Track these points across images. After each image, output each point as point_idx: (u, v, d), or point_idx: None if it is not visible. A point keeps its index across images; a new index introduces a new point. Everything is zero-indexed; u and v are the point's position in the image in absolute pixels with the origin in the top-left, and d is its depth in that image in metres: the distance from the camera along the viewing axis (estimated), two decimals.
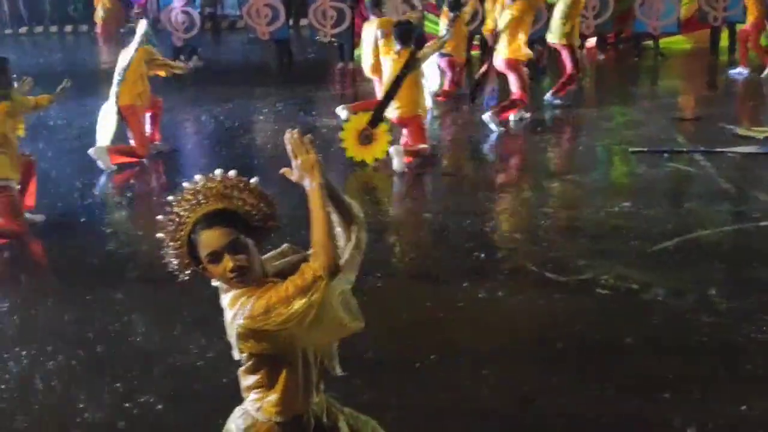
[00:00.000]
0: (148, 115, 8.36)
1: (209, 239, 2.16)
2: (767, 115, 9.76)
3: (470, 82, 10.79)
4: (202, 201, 2.20)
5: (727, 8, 13.37)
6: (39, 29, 22.86)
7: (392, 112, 7.81)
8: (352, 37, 14.51)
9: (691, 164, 7.40)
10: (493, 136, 8.86)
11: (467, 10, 11.34)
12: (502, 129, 8.93)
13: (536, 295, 4.83)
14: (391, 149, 7.67)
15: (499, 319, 4.58)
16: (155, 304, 4.92)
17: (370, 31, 9.67)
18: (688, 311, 4.51)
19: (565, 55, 10.10)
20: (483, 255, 5.50)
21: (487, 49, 9.30)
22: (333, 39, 14.29)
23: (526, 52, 9.17)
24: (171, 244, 2.22)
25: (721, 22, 13.55)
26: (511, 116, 9.30)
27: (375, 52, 9.28)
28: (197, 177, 2.25)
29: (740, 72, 11.73)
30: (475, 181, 7.52)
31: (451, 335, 4.39)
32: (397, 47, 7.84)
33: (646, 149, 7.88)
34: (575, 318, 4.51)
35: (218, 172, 2.26)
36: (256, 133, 9.90)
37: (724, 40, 13.78)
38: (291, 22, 15.89)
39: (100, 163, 7.93)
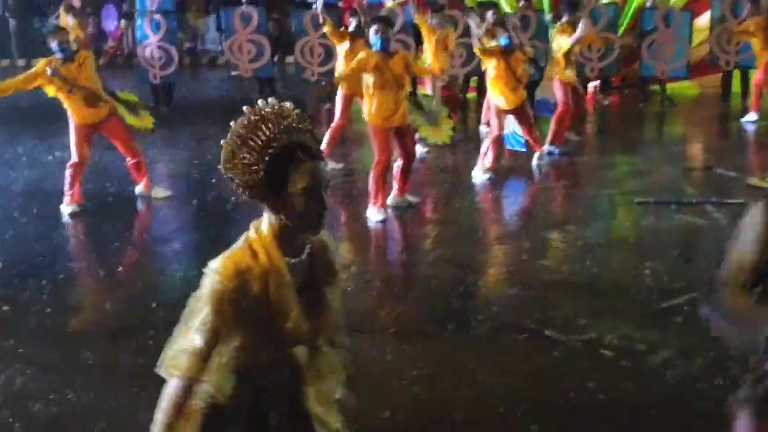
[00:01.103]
0: (130, 162, 8.32)
1: (316, 170, 2.18)
2: None
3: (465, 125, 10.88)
4: (294, 125, 2.20)
5: (739, 52, 13.58)
6: (5, 63, 22.98)
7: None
8: None
9: (700, 216, 7.44)
10: (490, 183, 8.89)
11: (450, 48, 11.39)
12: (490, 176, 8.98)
13: (535, 356, 4.80)
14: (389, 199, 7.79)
15: (495, 381, 4.54)
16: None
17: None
18: (698, 375, 4.48)
19: (559, 92, 10.21)
20: (476, 310, 5.48)
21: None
22: (321, 78, 14.41)
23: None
24: (248, 157, 2.17)
25: (733, 67, 13.73)
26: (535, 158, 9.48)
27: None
28: (270, 100, 2.24)
29: (751, 120, 11.87)
30: (470, 231, 7.52)
31: (443, 396, 4.34)
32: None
33: (652, 200, 7.92)
34: (577, 381, 4.47)
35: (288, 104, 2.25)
36: None
37: (735, 86, 13.97)
38: (276, 59, 16.02)
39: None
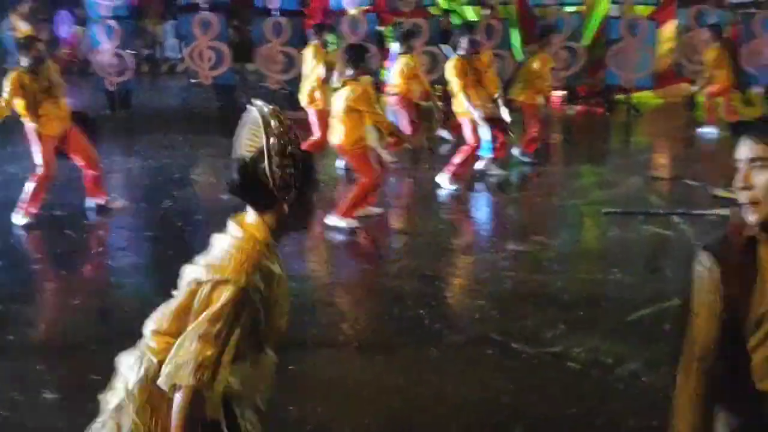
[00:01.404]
0: (90, 174, 8.21)
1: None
2: None
3: (429, 134, 10.92)
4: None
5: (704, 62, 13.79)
6: None
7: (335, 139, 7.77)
8: None
9: (667, 227, 7.52)
10: (456, 193, 8.92)
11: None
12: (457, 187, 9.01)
13: (501, 369, 4.81)
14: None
15: (460, 395, 4.52)
16: None
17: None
18: (666, 387, 4.49)
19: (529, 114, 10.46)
20: (442, 323, 5.48)
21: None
22: (283, 86, 14.37)
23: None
24: (287, 161, 2.43)
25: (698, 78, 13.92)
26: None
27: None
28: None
29: (710, 131, 12.08)
30: (436, 242, 7.52)
31: (406, 411, 4.32)
32: (349, 72, 7.77)
33: (619, 210, 7.99)
34: (544, 394, 4.48)
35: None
36: (197, 186, 9.82)
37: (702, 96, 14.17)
38: (237, 66, 15.95)
39: None
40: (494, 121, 9.26)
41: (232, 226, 2.49)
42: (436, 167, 9.51)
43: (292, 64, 14.30)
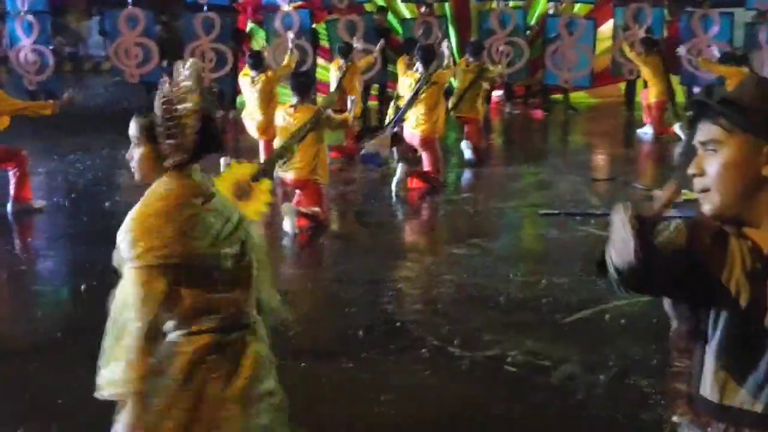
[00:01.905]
0: (10, 171, 8.10)
1: None
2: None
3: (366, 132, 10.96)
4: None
5: (570, 69, 14.20)
6: None
7: (288, 173, 7.69)
8: (235, 83, 14.53)
9: (605, 228, 7.61)
10: (393, 197, 8.97)
11: (362, 63, 11.62)
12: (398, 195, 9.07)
13: (439, 373, 4.87)
14: (284, 207, 7.68)
15: (397, 399, 4.57)
16: None
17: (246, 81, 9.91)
18: (603, 388, 4.62)
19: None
20: (380, 328, 5.52)
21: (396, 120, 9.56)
22: (212, 84, 14.28)
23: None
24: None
25: (636, 76, 14.22)
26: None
27: (264, 106, 9.51)
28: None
29: (646, 132, 12.37)
30: (372, 246, 7.57)
31: (342, 418, 4.35)
32: (294, 99, 7.85)
33: (557, 212, 8.12)
34: (482, 398, 4.56)
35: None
36: (123, 189, 9.70)
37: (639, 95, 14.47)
38: (165, 63, 15.79)
39: None
40: None
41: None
42: (372, 170, 9.56)
43: (223, 62, 14.23)
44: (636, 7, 14.11)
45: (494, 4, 14.89)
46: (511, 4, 14.84)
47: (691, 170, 2.01)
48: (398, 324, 5.67)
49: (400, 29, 15.03)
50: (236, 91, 14.41)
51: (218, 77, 14.22)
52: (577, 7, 14.96)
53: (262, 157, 9.58)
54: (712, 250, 1.99)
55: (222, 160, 9.07)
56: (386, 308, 6.02)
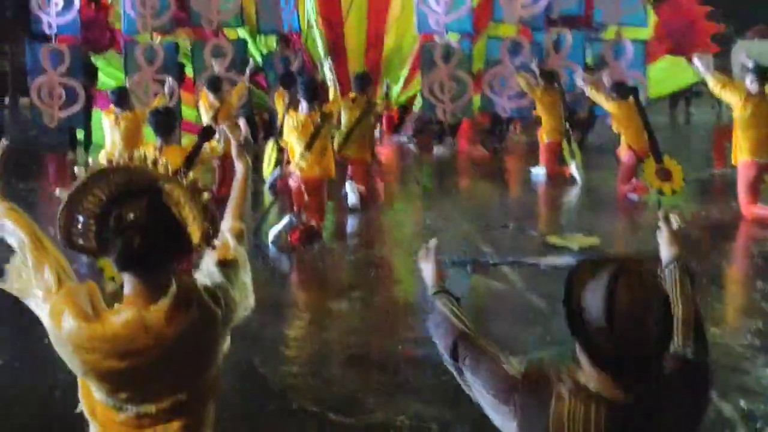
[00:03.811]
0: None
1: None
2: (580, 221, 10.56)
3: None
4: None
5: (510, 97, 14.56)
6: None
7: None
8: (88, 122, 14.34)
9: (498, 278, 7.82)
10: (270, 247, 8.96)
11: (234, 96, 11.68)
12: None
13: None
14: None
15: None
16: None
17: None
18: None
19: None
20: (256, 393, 5.48)
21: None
22: (60, 124, 14.05)
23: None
24: None
25: (509, 114, 14.89)
26: None
27: (129, 148, 9.41)
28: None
29: (539, 173, 12.76)
30: None
31: None
32: (158, 141, 7.77)
33: (446, 260, 8.23)
34: None
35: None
36: None
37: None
38: (7, 100, 15.47)
39: None
40: None
41: None
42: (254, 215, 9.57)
43: (74, 97, 14.02)
44: (557, 32, 14.56)
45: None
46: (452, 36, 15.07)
47: None
48: (272, 389, 5.64)
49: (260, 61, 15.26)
50: (89, 132, 14.28)
51: (68, 116, 13.99)
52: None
53: None
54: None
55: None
56: (260, 371, 5.98)
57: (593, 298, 2.24)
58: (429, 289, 3.07)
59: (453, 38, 14.73)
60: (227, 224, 3.15)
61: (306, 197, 9.38)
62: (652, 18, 14.96)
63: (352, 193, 10.70)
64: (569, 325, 2.34)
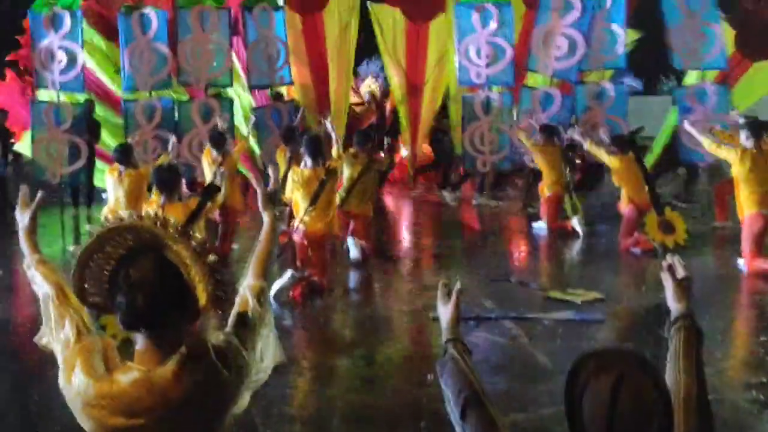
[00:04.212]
0: None
1: None
2: (582, 275, 10.58)
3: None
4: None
5: (493, 151, 14.84)
6: None
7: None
8: (91, 178, 14.41)
9: (501, 333, 7.80)
10: (273, 303, 8.92)
11: (237, 152, 11.75)
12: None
13: None
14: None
15: None
16: None
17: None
18: None
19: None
20: None
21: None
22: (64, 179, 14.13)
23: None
24: None
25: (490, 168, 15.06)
26: None
27: (131, 206, 9.62)
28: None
29: (541, 227, 12.78)
30: None
31: None
32: (162, 199, 7.85)
33: (472, 316, 8.21)
34: None
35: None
36: None
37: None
38: (10, 156, 15.53)
39: None
40: None
41: None
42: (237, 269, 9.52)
43: (77, 154, 14.13)
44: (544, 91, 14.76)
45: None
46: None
47: None
48: None
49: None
50: (91, 188, 14.35)
51: (72, 171, 14.09)
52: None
53: None
54: None
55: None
56: (260, 430, 5.95)
57: (594, 403, 2.22)
58: (444, 333, 3.02)
59: (495, 91, 15.00)
60: (248, 281, 3.15)
61: (309, 252, 9.43)
62: (729, 35, 14.82)
63: (354, 248, 10.73)
64: (568, 421, 2.30)
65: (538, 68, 14.96)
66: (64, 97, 14.61)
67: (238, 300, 2.92)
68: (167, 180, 7.91)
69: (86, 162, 14.35)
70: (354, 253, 10.70)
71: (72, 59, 14.45)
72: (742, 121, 10.60)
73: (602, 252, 11.66)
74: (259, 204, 3.67)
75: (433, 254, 11.72)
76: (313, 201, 9.25)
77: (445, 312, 3.03)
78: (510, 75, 14.98)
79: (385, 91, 18.57)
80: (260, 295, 3.12)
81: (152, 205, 7.94)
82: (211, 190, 7.55)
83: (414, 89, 16.26)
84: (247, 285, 3.13)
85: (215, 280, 2.73)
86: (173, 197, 7.84)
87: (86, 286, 2.76)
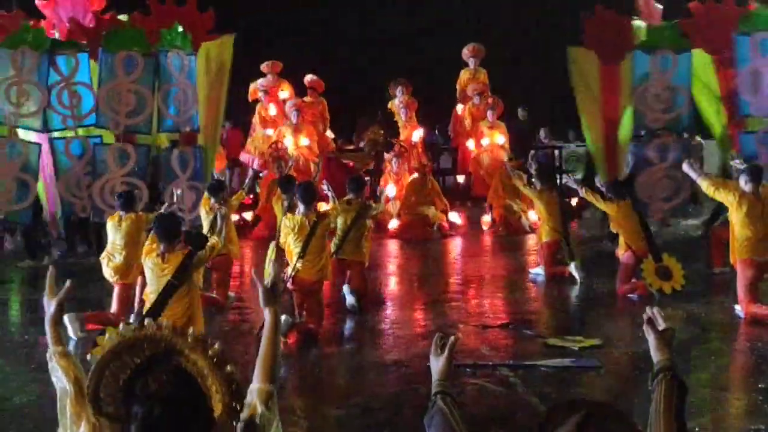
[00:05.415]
0: None
1: None
2: (580, 321, 10.61)
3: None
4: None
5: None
6: None
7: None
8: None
9: (498, 381, 7.77)
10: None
11: (234, 200, 11.80)
12: None
13: None
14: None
15: None
16: None
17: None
18: None
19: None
20: None
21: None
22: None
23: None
24: None
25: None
26: None
27: (128, 250, 9.75)
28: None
29: (538, 273, 12.78)
30: None
31: None
32: (162, 247, 7.89)
33: (469, 363, 8.19)
34: None
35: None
36: None
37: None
38: None
39: None
40: None
41: None
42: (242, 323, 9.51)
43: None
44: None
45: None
46: None
47: None
48: None
49: None
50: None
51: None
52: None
53: (113, 307, 9.61)
54: None
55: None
56: None
57: None
58: (434, 385, 3.09)
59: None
60: (255, 385, 3.11)
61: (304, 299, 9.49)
62: None
63: (349, 295, 10.74)
64: None
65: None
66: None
67: (245, 404, 2.89)
68: (168, 228, 7.96)
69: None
70: (350, 299, 10.71)
71: (86, 97, 14.55)
72: (742, 165, 10.65)
73: (600, 298, 11.62)
74: (260, 301, 3.55)
75: (428, 300, 11.68)
76: (304, 249, 9.37)
77: (436, 364, 3.07)
78: (688, 120, 15.27)
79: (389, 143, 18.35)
80: (268, 399, 3.08)
81: (152, 254, 7.95)
82: (200, 241, 7.63)
83: (610, 124, 15.88)
84: (254, 389, 3.09)
85: (232, 391, 2.72)
86: (173, 246, 7.87)
87: (101, 395, 2.73)
